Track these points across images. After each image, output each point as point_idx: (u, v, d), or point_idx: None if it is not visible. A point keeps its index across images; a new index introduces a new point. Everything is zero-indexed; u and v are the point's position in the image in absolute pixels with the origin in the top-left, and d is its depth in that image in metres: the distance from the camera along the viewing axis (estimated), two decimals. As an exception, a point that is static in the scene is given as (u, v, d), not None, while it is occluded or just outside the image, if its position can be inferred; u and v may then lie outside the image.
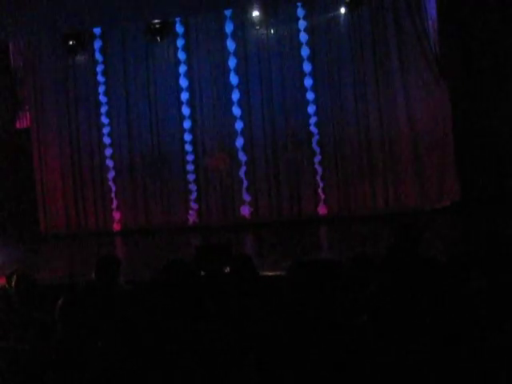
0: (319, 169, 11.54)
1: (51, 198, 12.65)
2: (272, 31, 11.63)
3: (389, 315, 3.18)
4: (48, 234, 12.49)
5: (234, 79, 11.75)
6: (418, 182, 11.10)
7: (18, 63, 12.63)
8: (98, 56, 12.33)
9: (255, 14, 11.40)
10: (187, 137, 12.02)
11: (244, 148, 11.80)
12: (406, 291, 3.48)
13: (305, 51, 11.49)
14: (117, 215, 12.39)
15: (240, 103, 11.77)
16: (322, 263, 3.25)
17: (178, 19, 11.89)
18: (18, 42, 12.45)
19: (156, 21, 11.63)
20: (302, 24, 11.48)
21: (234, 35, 11.74)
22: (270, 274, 6.24)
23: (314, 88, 11.50)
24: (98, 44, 12.31)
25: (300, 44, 11.51)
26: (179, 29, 11.97)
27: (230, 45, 11.74)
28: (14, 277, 4.62)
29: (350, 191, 11.45)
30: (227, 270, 4.65)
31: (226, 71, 11.79)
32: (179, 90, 12.02)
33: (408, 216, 9.99)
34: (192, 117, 12.02)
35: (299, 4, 11.45)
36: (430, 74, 10.94)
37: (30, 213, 12.47)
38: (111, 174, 12.41)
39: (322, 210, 11.52)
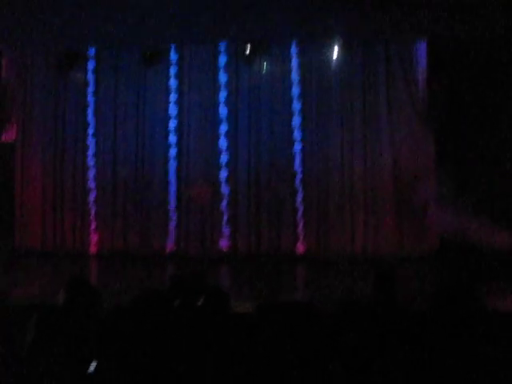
0: (300, 207, 11.58)
1: (29, 214, 12.47)
2: (264, 67, 11.76)
3: (364, 363, 3.17)
4: (22, 250, 12.30)
5: (223, 111, 11.82)
6: (398, 229, 11.19)
7: (9, 75, 12.55)
8: (90, 77, 12.32)
9: (249, 48, 11.52)
10: (172, 164, 12.02)
11: (227, 180, 11.82)
12: (384, 341, 3.47)
13: (295, 90, 11.63)
14: (94, 237, 12.27)
15: (227, 136, 11.82)
16: (292, 305, 3.24)
17: (172, 47, 11.98)
18: (12, 54, 12.43)
19: (151, 46, 11.72)
20: (294, 62, 11.66)
21: (226, 68, 11.84)
22: (243, 309, 6.20)
23: (301, 127, 11.62)
24: (91, 65, 12.30)
25: (291, 82, 11.66)
26: (173, 56, 12.04)
27: (222, 77, 11.83)
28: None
29: (330, 232, 11.49)
30: (201, 301, 4.60)
31: (216, 103, 11.87)
32: (168, 117, 12.04)
33: (385, 262, 10.02)
34: (178, 145, 12.04)
35: (293, 42, 11.63)
36: (417, 121, 11.17)
37: (5, 227, 12.31)
38: (92, 196, 12.33)
39: (300, 248, 11.53)
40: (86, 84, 12.34)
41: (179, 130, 12.04)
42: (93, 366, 3.31)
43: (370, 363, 3.18)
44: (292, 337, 3.15)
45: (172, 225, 12.00)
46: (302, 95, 11.65)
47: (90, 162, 12.32)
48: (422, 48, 11.19)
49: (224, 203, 11.78)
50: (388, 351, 3.32)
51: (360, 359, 3.24)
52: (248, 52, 11.51)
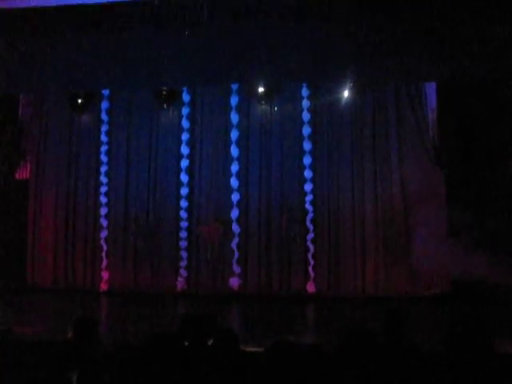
0: (311, 246, 11.57)
1: (41, 251, 12.56)
2: (276, 108, 11.91)
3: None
4: (34, 286, 12.34)
5: (234, 151, 11.92)
6: (409, 269, 11.11)
7: (25, 115, 12.76)
8: (104, 116, 12.53)
9: (261, 89, 11.67)
10: (183, 204, 12.08)
11: (238, 220, 11.85)
12: (393, 382, 3.46)
13: (306, 130, 11.73)
14: (105, 275, 12.30)
15: (238, 175, 11.90)
16: (301, 347, 3.25)
17: (185, 88, 12.15)
18: (29, 95, 12.65)
19: (164, 88, 11.91)
20: (305, 103, 11.77)
21: (238, 108, 11.99)
22: (253, 349, 6.17)
23: (312, 166, 11.69)
24: (105, 105, 12.54)
25: (302, 123, 11.76)
26: (185, 97, 12.21)
27: (234, 117, 11.96)
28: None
29: (340, 271, 11.47)
30: (210, 342, 4.61)
31: (228, 143, 11.99)
32: (180, 156, 12.16)
33: (395, 302, 9.96)
34: (190, 184, 12.13)
35: (304, 84, 11.76)
36: (427, 162, 11.14)
37: (18, 264, 12.36)
38: (104, 234, 12.40)
39: (310, 287, 11.49)
40: (100, 123, 12.53)
41: (191, 170, 12.15)
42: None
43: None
44: (301, 379, 3.15)
45: (183, 263, 12.02)
46: (313, 135, 11.75)
47: (102, 200, 12.43)
48: (431, 87, 11.26)
49: (235, 242, 11.81)
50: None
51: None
52: (260, 93, 11.67)
